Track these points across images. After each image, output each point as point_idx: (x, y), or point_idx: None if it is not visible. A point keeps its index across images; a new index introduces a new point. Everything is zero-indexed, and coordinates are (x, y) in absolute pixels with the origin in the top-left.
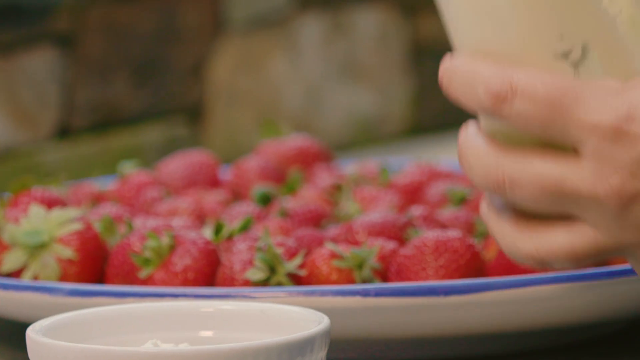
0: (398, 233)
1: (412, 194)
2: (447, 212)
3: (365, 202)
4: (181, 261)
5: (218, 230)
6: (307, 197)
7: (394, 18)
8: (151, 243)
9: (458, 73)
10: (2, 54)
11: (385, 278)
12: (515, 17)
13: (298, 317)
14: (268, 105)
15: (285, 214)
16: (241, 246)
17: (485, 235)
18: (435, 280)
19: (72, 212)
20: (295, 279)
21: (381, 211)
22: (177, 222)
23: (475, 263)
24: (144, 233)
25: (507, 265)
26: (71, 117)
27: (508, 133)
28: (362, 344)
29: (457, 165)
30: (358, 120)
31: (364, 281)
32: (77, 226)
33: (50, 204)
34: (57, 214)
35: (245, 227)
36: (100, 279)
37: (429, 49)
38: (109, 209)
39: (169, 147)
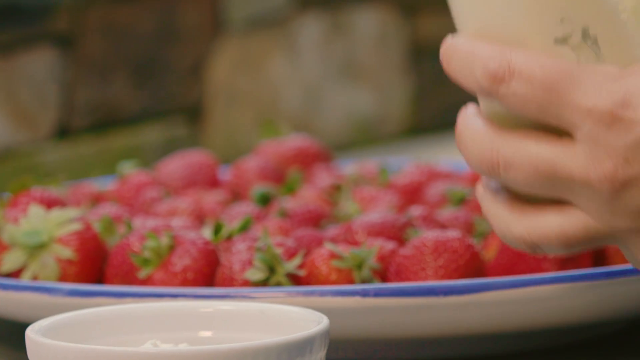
0: (397, 233)
1: (412, 194)
2: (447, 213)
3: (364, 202)
4: (180, 261)
5: (217, 230)
6: (306, 197)
7: (394, 18)
8: (150, 243)
9: (457, 52)
10: (1, 54)
11: (384, 278)
12: (516, 0)
13: (297, 317)
14: (267, 106)
15: (284, 214)
16: (240, 246)
17: (485, 236)
18: (435, 281)
19: (71, 212)
20: (295, 279)
21: (380, 211)
22: (177, 222)
23: (474, 263)
24: (144, 233)
25: (506, 266)
26: (71, 117)
27: (505, 116)
28: (362, 344)
29: (457, 165)
30: (357, 121)
31: (364, 281)
32: (76, 226)
33: (50, 204)
34: (57, 214)
35: (244, 227)
36: (99, 279)
37: (428, 49)
38: (108, 209)
39: (169, 147)
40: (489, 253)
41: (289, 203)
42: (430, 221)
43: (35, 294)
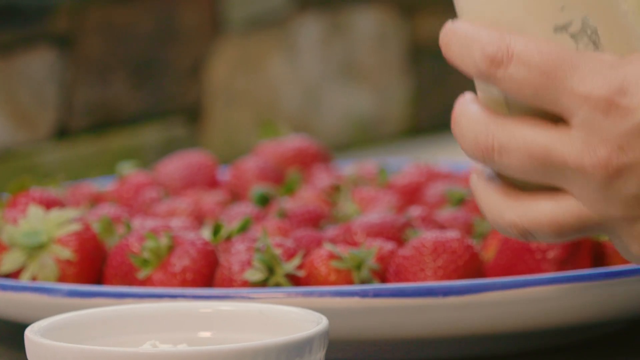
0: (397, 234)
1: (411, 194)
2: (446, 213)
3: (363, 203)
4: (180, 262)
5: (217, 230)
6: (305, 197)
7: (393, 18)
8: (150, 244)
9: (457, 35)
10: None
11: (383, 279)
12: None
13: (296, 318)
14: (266, 106)
15: (283, 214)
16: (240, 247)
17: (484, 236)
18: (434, 281)
19: (70, 212)
20: (294, 280)
21: (380, 212)
22: (176, 223)
23: (473, 264)
24: (143, 234)
25: (505, 266)
26: (70, 118)
27: (502, 102)
28: (361, 344)
29: (456, 166)
30: (356, 121)
31: (363, 282)
32: (75, 227)
33: (49, 204)
34: (56, 214)
35: (243, 228)
36: (98, 279)
37: (427, 49)
38: (107, 210)
39: (168, 148)
40: (488, 253)
41: (288, 203)
42: (430, 222)
43: (35, 294)
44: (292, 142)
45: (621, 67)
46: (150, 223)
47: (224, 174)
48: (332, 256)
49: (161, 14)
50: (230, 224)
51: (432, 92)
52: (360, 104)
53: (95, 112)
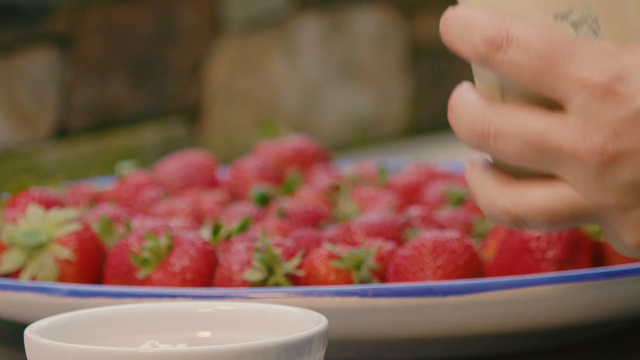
0: (396, 233)
1: (410, 194)
2: (445, 213)
3: (363, 203)
4: (179, 262)
5: (216, 230)
6: (305, 197)
7: (392, 18)
8: (149, 244)
9: (457, 19)
10: (0, 55)
11: (383, 279)
12: None
13: (296, 318)
14: (266, 106)
15: (283, 214)
16: (239, 247)
17: (484, 236)
18: (434, 281)
19: (70, 212)
20: (294, 280)
21: (379, 212)
22: (175, 223)
23: (473, 263)
24: (142, 233)
25: (505, 266)
26: (69, 118)
27: (499, 89)
28: (360, 344)
29: (456, 166)
30: (356, 121)
31: (362, 282)
32: (75, 227)
33: (48, 204)
34: (55, 214)
35: (243, 228)
36: (98, 279)
37: (427, 49)
38: (107, 210)
39: (167, 148)
40: (488, 253)
41: (288, 203)
42: (429, 221)
43: (34, 294)
44: (291, 142)
45: (620, 54)
46: (149, 223)
47: (224, 174)
48: (331, 256)
49: (161, 14)
50: (230, 224)
51: (431, 92)
52: (360, 104)
53: (95, 112)
